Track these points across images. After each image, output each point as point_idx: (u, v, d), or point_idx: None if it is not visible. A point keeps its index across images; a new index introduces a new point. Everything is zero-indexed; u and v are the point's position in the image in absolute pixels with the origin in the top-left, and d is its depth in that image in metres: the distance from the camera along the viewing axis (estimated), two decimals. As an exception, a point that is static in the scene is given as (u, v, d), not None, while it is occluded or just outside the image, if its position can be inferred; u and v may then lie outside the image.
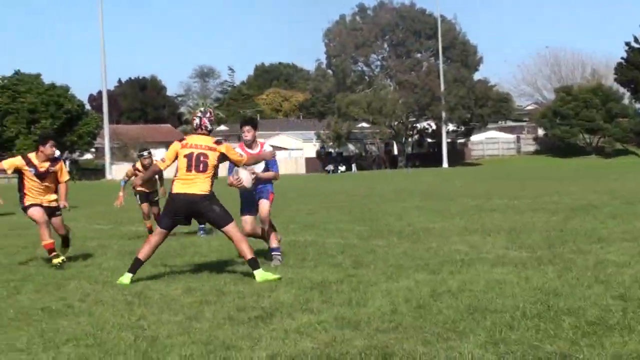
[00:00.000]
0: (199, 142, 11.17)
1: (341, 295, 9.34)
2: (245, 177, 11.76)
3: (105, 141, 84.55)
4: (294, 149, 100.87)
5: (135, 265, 11.02)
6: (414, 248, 13.50)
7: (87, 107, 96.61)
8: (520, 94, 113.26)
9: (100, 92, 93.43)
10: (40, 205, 12.52)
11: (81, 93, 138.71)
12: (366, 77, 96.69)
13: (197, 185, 10.97)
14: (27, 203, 12.53)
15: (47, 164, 12.59)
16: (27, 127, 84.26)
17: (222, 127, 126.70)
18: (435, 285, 9.75)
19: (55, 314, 9.00)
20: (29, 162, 12.29)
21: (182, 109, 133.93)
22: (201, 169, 10.99)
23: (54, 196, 12.81)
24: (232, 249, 14.09)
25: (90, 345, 7.39)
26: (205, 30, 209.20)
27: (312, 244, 14.56)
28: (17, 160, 12.46)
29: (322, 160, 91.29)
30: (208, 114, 11.62)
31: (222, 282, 10.55)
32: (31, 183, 12.30)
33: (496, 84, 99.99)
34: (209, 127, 11.46)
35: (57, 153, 13.23)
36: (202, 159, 11.02)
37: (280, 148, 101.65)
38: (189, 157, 11.05)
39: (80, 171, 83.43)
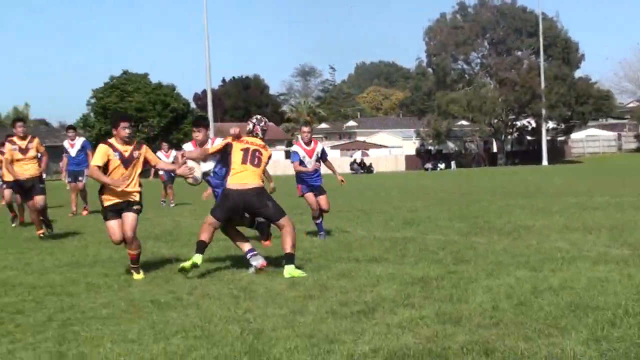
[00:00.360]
0: (254, 141, 11.82)
1: (442, 291, 9.31)
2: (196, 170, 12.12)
3: (209, 138, 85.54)
4: (393, 147, 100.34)
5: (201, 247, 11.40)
6: (514, 245, 13.35)
7: (193, 105, 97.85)
8: (622, 91, 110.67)
9: (204, 91, 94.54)
10: (118, 211, 11.39)
11: (187, 92, 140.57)
12: (466, 75, 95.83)
13: (250, 177, 11.45)
14: (106, 204, 11.46)
15: (129, 148, 11.50)
16: (135, 125, 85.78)
17: (324, 125, 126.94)
18: (536, 282, 9.64)
19: (164, 306, 9.17)
20: (112, 147, 11.36)
21: (285, 107, 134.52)
22: (255, 163, 11.57)
23: (136, 188, 11.68)
24: (333, 246, 14.18)
25: (199, 337, 7.52)
26: (307, 29, 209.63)
27: (412, 241, 14.52)
28: (103, 149, 11.34)
29: (422, 158, 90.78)
30: (262, 123, 12.23)
31: (325, 277, 10.61)
32: (116, 172, 11.25)
33: (597, 82, 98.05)
34: (260, 134, 12.09)
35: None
36: (257, 154, 11.63)
37: (380, 146, 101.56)
38: (245, 151, 11.60)
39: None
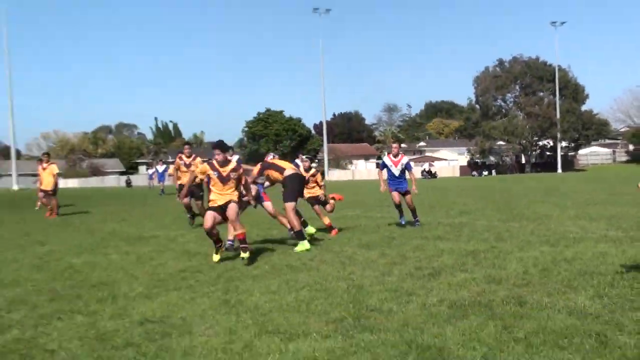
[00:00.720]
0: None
1: (487, 261, 9.17)
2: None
3: (324, 155, 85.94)
4: (451, 160, 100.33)
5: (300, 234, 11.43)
6: (539, 228, 13.03)
7: (313, 132, 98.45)
8: (616, 120, 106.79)
9: (321, 122, 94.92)
10: (215, 209, 10.51)
11: (309, 122, 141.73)
12: (503, 110, 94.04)
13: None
14: (210, 203, 10.68)
15: (228, 169, 10.61)
16: (274, 146, 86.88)
17: (402, 145, 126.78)
18: (555, 254, 9.41)
19: (295, 269, 9.26)
20: (212, 167, 10.62)
21: (376, 133, 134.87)
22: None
23: (231, 190, 10.70)
24: (409, 229, 14.06)
25: (318, 290, 7.57)
26: (392, 76, 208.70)
27: (465, 225, 14.32)
28: (203, 167, 10.79)
29: (471, 167, 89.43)
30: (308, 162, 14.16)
31: (404, 250, 10.54)
32: (216, 186, 10.57)
33: (598, 113, 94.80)
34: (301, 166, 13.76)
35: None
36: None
37: (442, 159, 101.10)
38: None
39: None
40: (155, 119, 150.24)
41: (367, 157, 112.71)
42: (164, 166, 43.34)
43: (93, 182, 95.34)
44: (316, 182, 14.42)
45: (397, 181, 14.91)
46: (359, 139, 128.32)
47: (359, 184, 57.01)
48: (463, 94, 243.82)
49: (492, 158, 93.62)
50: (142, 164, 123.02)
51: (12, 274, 9.80)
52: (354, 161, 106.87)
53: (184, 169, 17.48)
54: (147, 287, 8.25)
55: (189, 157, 17.70)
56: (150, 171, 35.43)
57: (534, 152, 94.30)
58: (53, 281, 8.99)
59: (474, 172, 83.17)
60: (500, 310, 6.20)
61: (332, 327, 5.89)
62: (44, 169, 22.47)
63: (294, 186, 11.94)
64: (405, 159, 15.02)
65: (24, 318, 6.81)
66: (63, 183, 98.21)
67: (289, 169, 12.10)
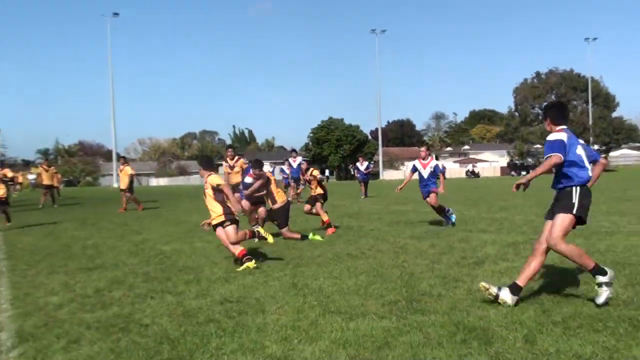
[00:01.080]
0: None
1: (526, 251, 8.91)
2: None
3: (380, 157, 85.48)
4: (493, 161, 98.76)
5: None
6: (574, 223, 12.64)
7: (369, 137, 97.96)
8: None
9: (377, 128, 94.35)
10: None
11: (366, 128, 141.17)
12: (540, 117, 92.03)
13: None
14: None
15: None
16: (335, 149, 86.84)
17: (449, 149, 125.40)
18: (588, 246, 9.10)
19: (354, 257, 9.21)
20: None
21: (425, 138, 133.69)
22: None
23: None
24: (455, 222, 13.82)
25: (375, 276, 7.51)
26: (443, 84, 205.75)
27: (505, 219, 14.00)
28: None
29: (510, 168, 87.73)
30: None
31: (451, 241, 10.38)
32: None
33: (628, 119, 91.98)
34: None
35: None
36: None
37: (485, 161, 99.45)
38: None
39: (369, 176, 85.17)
40: (233, 126, 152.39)
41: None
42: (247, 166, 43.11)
43: (180, 180, 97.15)
44: (316, 181, 13.46)
45: (424, 184, 13.85)
46: (410, 143, 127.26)
47: (411, 182, 56.41)
48: (503, 103, 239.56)
49: (529, 160, 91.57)
50: (222, 165, 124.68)
51: (112, 258, 10.06)
52: (406, 163, 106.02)
53: (228, 170, 17.44)
54: (226, 271, 8.33)
55: (232, 158, 17.57)
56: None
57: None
58: (146, 265, 9.18)
59: (513, 172, 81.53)
60: (539, 296, 6.03)
61: (387, 309, 5.82)
62: (120, 170, 23.04)
63: (284, 215, 11.62)
64: (434, 162, 13.99)
65: (122, 297, 6.96)
66: (155, 182, 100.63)
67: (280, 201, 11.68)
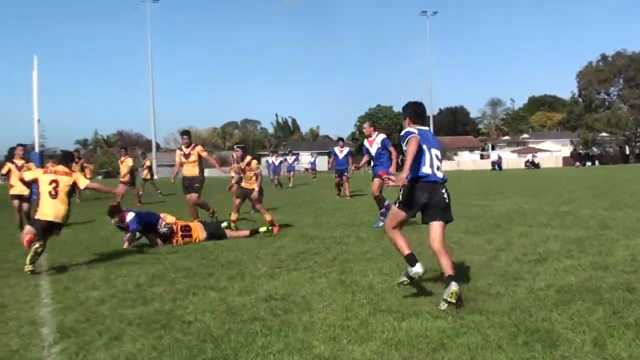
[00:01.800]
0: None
1: (593, 248, 8.71)
2: None
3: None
4: (555, 151, 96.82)
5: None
6: (645, 217, 12.29)
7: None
8: None
9: (428, 117, 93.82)
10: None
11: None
12: (606, 103, 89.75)
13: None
14: None
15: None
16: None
17: (506, 137, 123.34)
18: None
19: (394, 254, 9.12)
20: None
21: (480, 126, 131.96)
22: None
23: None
24: (513, 215, 13.57)
25: (427, 273, 7.42)
26: (501, 69, 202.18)
27: (569, 213, 13.68)
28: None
29: (574, 158, 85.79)
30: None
31: (509, 236, 10.20)
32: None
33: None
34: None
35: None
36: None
37: (545, 150, 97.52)
38: None
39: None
40: (276, 115, 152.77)
41: (471, 149, 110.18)
42: (293, 157, 42.37)
43: (216, 172, 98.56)
44: (253, 173, 12.89)
45: (374, 165, 12.85)
46: (464, 132, 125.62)
47: (464, 173, 55.87)
48: (566, 88, 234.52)
49: (595, 149, 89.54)
50: (264, 155, 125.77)
51: (153, 253, 10.23)
52: (459, 152, 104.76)
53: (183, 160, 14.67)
54: (270, 267, 8.38)
55: (187, 147, 14.69)
56: (277, 161, 35.14)
57: (638, 143, 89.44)
58: (188, 260, 9.31)
59: (577, 163, 79.79)
60: (608, 296, 5.86)
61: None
62: (121, 162, 22.86)
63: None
64: (380, 137, 12.85)
65: (164, 292, 7.07)
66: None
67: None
